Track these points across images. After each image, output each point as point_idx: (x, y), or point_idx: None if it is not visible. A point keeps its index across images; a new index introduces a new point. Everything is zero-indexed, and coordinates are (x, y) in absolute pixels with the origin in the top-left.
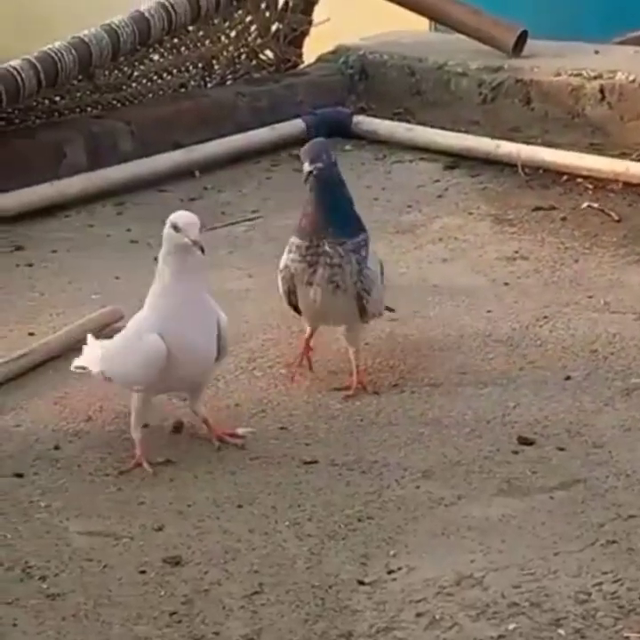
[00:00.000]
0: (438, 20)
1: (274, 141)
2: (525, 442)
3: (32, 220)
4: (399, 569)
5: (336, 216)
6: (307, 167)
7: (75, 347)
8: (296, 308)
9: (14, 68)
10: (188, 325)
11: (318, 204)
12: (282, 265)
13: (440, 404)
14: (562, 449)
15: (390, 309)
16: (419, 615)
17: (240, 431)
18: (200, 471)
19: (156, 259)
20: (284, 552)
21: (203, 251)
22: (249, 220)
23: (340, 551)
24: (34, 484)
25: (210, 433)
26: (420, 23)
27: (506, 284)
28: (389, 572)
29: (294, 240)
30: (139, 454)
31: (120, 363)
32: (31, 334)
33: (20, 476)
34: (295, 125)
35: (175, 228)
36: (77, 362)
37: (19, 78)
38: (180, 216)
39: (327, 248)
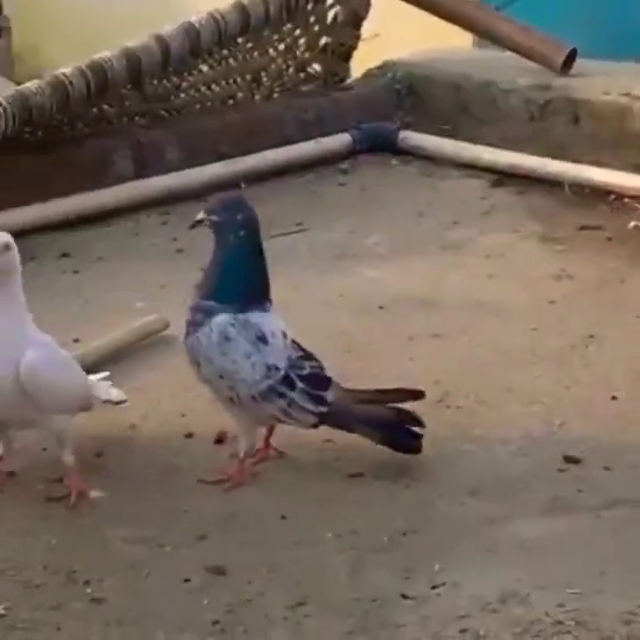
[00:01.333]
0: (488, 36)
1: (319, 155)
2: (571, 460)
3: (78, 227)
4: (443, 584)
5: (225, 277)
6: (199, 215)
7: (120, 355)
8: None
9: (65, 76)
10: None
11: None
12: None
13: (486, 421)
14: (608, 468)
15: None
16: (462, 631)
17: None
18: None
19: (201, 268)
20: (327, 564)
21: None
22: (294, 232)
23: (384, 565)
24: None
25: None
26: (465, 39)
27: (551, 302)
28: (433, 587)
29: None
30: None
31: None
32: (76, 340)
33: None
34: (341, 139)
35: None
36: None
37: (69, 86)
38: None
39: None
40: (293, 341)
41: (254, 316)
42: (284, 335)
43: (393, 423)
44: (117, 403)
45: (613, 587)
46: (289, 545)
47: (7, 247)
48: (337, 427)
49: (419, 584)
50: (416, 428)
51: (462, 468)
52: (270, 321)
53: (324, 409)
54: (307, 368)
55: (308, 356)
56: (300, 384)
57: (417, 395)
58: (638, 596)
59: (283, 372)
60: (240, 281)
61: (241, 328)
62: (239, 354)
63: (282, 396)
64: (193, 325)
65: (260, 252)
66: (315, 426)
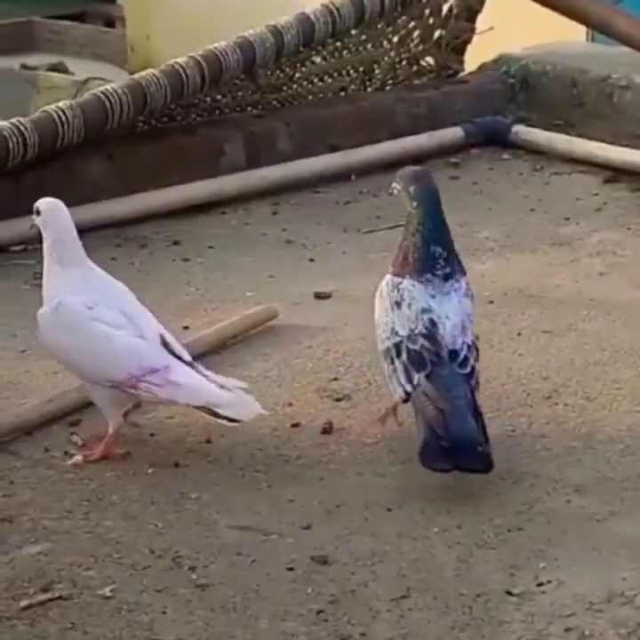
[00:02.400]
0: (604, 30)
1: (431, 148)
2: None
3: (190, 215)
4: (548, 582)
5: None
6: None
7: (227, 343)
8: None
9: (179, 65)
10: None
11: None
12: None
13: (594, 419)
14: None
15: None
16: (568, 630)
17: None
18: (350, 472)
19: (311, 259)
20: (432, 558)
21: None
22: (402, 225)
23: (489, 561)
24: (186, 476)
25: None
26: (578, 34)
27: None
28: (539, 585)
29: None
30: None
31: None
32: (186, 328)
33: (176, 465)
34: (453, 133)
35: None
36: None
37: (183, 75)
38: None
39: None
40: (431, 320)
41: (406, 283)
42: (423, 311)
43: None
44: (231, 420)
45: None
46: (394, 537)
47: (38, 212)
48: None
49: (524, 581)
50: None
51: (569, 465)
52: (415, 292)
53: (408, 388)
54: (418, 345)
55: (430, 336)
56: (403, 356)
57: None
58: None
59: (399, 339)
60: (418, 251)
61: (390, 288)
62: (380, 308)
63: (391, 361)
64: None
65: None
66: (404, 401)
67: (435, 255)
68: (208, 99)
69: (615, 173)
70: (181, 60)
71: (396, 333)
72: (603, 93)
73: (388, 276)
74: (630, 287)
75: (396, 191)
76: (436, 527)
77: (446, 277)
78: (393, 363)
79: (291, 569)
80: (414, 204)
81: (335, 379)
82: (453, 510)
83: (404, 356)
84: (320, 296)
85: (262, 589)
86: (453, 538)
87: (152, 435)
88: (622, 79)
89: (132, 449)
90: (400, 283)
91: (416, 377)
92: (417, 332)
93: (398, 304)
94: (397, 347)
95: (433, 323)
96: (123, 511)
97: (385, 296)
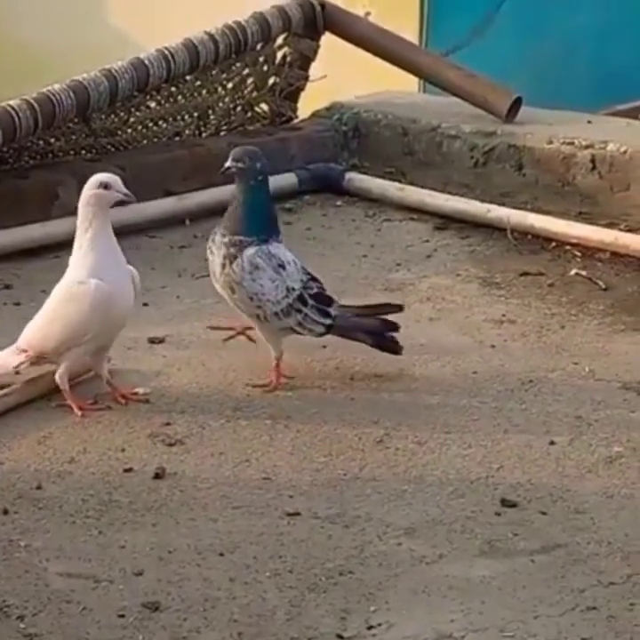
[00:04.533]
0: (434, 81)
1: None
2: (508, 504)
3: (22, 259)
4: (379, 625)
5: (249, 215)
6: (228, 163)
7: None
8: None
9: (12, 108)
10: (120, 274)
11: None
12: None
13: (424, 462)
14: (544, 513)
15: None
16: None
17: (140, 391)
18: (182, 517)
19: (145, 304)
20: (264, 602)
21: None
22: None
23: (321, 604)
24: (14, 522)
25: (114, 392)
26: (410, 84)
27: (492, 346)
28: (369, 628)
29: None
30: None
31: (58, 320)
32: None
33: (5, 512)
34: (287, 179)
35: (106, 186)
36: None
37: (16, 118)
38: (105, 176)
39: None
40: (302, 267)
41: (273, 248)
42: (295, 262)
43: (381, 330)
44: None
45: (547, 631)
46: (226, 582)
47: (106, 186)
48: (339, 335)
49: (355, 624)
50: (396, 334)
51: (399, 508)
52: (285, 251)
53: (329, 321)
54: (314, 288)
55: (313, 278)
56: (310, 301)
57: (398, 308)
58: None
59: (298, 292)
60: (262, 218)
61: (266, 258)
62: (265, 279)
63: (298, 311)
64: (228, 258)
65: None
66: (322, 334)
67: (276, 218)
68: (41, 142)
69: (445, 221)
70: (14, 102)
71: (292, 289)
72: (433, 142)
73: (253, 250)
74: (460, 333)
75: (238, 167)
76: (268, 571)
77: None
78: (301, 311)
79: (122, 616)
80: (260, 177)
81: (168, 423)
82: (285, 554)
83: (311, 301)
84: (153, 341)
85: (92, 637)
86: (285, 582)
87: None
88: (452, 128)
89: None
90: (269, 249)
91: (331, 310)
92: (306, 280)
93: (282, 266)
94: (300, 297)
95: (305, 269)
96: None
97: (263, 266)
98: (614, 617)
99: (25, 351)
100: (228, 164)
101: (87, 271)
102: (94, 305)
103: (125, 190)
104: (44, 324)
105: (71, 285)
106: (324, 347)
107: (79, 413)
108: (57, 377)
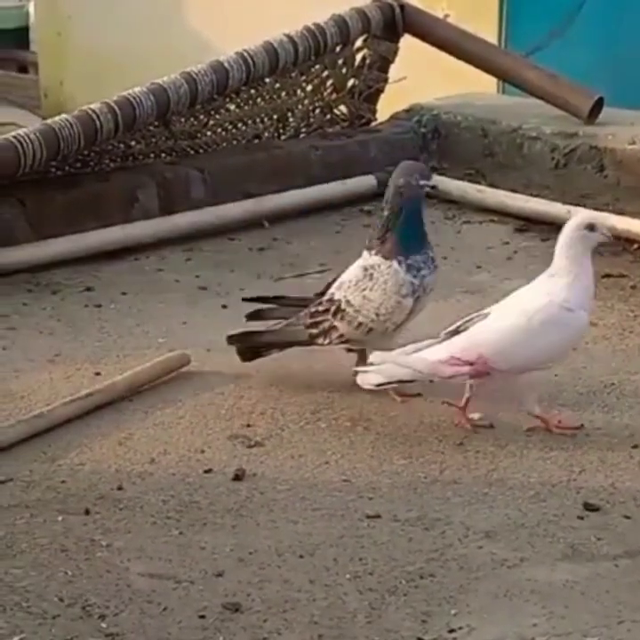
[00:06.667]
0: (515, 82)
1: (344, 196)
2: (591, 508)
3: (103, 261)
4: (460, 628)
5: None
6: (431, 182)
7: (139, 390)
8: None
9: (93, 111)
10: (590, 307)
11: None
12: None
13: (505, 466)
14: (628, 517)
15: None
16: None
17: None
18: (262, 519)
19: (224, 306)
20: (344, 605)
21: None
22: (317, 272)
23: (401, 607)
24: (96, 522)
25: (547, 426)
26: (489, 85)
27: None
28: (450, 631)
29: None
30: (548, 420)
31: (536, 341)
32: (97, 374)
33: (87, 512)
34: (366, 181)
35: (591, 228)
36: (376, 379)
37: (97, 121)
38: (591, 217)
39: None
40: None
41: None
42: None
43: None
44: None
45: (631, 636)
46: (306, 584)
47: (591, 228)
48: None
49: (436, 628)
50: None
51: (480, 511)
52: None
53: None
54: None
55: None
56: None
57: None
58: None
59: None
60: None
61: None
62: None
63: None
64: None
65: None
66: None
67: None
68: (121, 145)
69: (525, 222)
70: (95, 105)
71: None
72: (513, 144)
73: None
74: None
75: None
76: (348, 574)
77: None
78: None
79: (202, 617)
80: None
81: (248, 425)
82: (365, 557)
83: None
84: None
85: (173, 638)
86: (365, 584)
87: (62, 481)
88: (532, 130)
89: (42, 496)
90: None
91: None
92: None
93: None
94: None
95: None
96: (32, 559)
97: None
98: None
99: (470, 363)
100: (431, 182)
101: (574, 300)
102: (578, 334)
103: (608, 233)
104: (515, 342)
105: (559, 310)
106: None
107: (555, 430)
108: (530, 405)
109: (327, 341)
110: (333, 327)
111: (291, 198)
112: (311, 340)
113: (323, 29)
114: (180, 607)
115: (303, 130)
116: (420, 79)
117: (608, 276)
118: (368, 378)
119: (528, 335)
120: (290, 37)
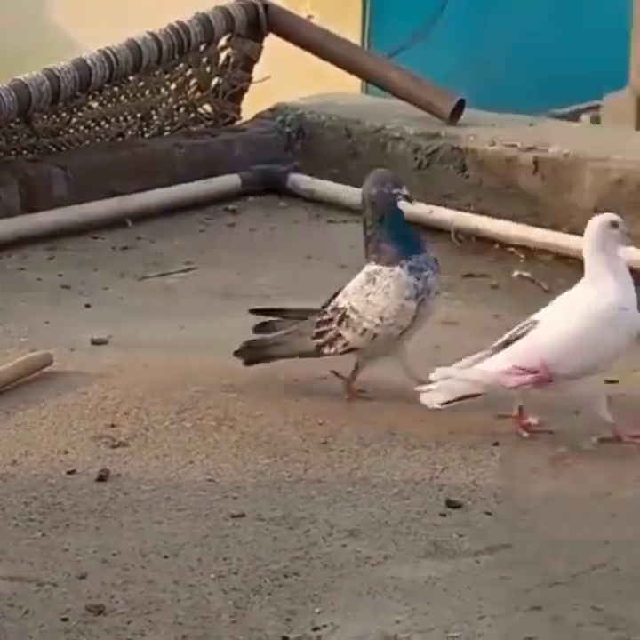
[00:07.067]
0: (378, 83)
1: (208, 195)
2: (453, 505)
3: None
4: (324, 626)
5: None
6: (403, 191)
7: (1, 390)
8: None
9: None
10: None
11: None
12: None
13: (369, 464)
14: (488, 513)
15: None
16: None
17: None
18: (126, 520)
19: (87, 305)
20: (208, 605)
21: None
22: (182, 271)
23: (266, 606)
24: None
25: (617, 435)
26: (353, 85)
27: (436, 347)
28: (314, 629)
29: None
30: (621, 433)
31: (590, 342)
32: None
33: None
34: (230, 180)
35: (614, 225)
36: (442, 397)
37: None
38: (611, 216)
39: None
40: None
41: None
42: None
43: None
44: None
45: (492, 631)
46: (171, 585)
47: (614, 224)
48: None
49: (300, 626)
50: None
51: (344, 509)
52: None
53: None
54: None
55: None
56: None
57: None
58: None
59: None
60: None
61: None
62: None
63: None
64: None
65: None
66: None
67: None
68: None
69: None
70: None
71: None
72: (376, 144)
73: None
74: None
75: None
76: (213, 574)
77: None
78: None
79: (65, 619)
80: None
81: (112, 425)
82: (230, 556)
83: None
84: (96, 342)
85: None
86: (230, 584)
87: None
88: (395, 131)
89: None
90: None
91: None
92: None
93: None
94: None
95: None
96: None
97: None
98: (559, 617)
99: (534, 371)
100: (404, 191)
101: (626, 299)
102: (631, 333)
103: (624, 225)
104: (578, 346)
105: (618, 311)
106: None
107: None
108: (603, 413)
109: (333, 350)
110: (339, 335)
111: (155, 197)
112: (318, 351)
113: (186, 28)
114: (42, 610)
115: (167, 128)
116: (284, 79)
117: (470, 275)
118: (433, 397)
119: (590, 338)
120: (153, 35)
